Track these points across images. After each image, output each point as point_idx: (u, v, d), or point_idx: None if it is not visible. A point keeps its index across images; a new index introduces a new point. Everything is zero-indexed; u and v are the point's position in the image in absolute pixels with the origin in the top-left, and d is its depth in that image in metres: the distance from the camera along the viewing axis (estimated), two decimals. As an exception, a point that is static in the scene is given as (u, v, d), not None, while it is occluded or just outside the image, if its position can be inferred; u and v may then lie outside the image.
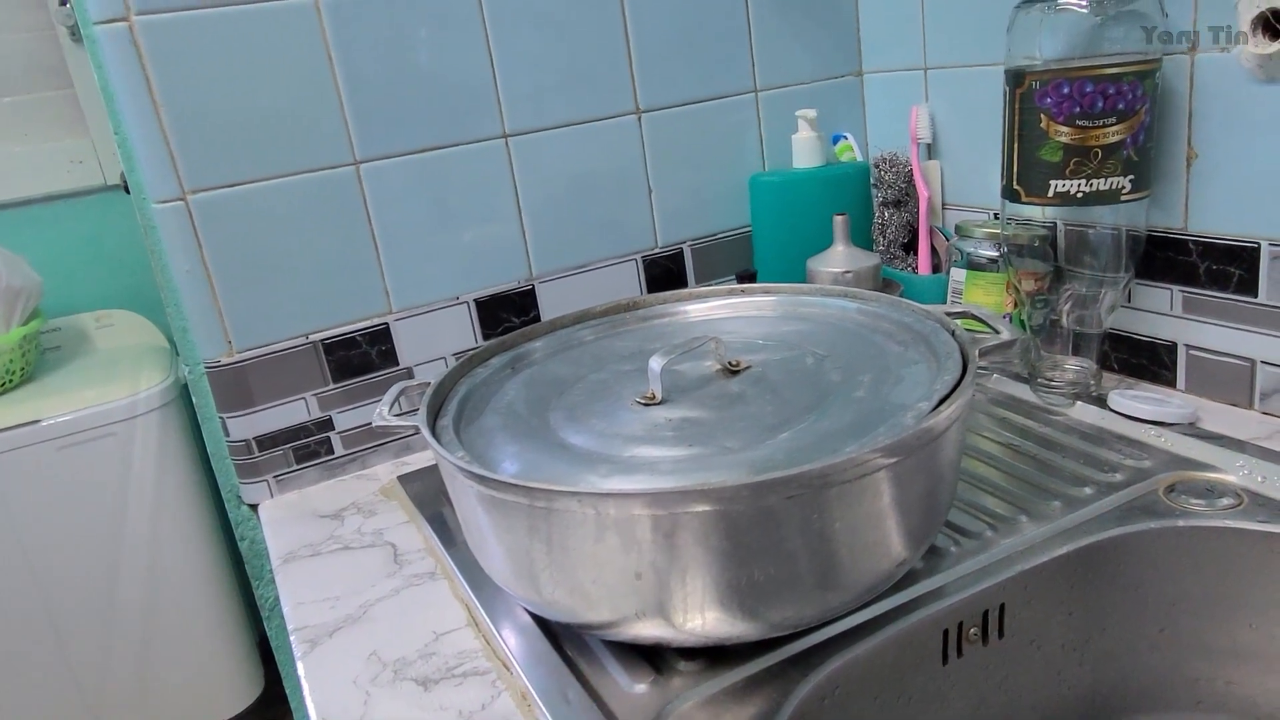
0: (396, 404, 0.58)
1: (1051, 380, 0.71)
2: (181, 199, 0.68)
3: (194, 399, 0.75)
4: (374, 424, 0.55)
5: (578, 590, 0.46)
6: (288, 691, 0.83)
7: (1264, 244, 0.62)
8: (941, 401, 0.48)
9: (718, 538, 0.42)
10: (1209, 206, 0.65)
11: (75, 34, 1.53)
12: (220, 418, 0.74)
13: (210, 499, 1.32)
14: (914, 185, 0.87)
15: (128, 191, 1.57)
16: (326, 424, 0.77)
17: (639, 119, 0.84)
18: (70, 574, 1.19)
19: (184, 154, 0.68)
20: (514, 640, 0.52)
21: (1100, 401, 0.69)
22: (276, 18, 0.69)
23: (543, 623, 0.53)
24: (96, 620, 1.22)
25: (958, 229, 0.79)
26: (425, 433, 0.51)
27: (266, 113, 0.70)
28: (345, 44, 0.71)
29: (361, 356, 0.77)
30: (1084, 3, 0.61)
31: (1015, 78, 0.64)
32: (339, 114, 0.72)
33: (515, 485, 0.44)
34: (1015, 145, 0.66)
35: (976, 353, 0.51)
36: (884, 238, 0.89)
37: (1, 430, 1.13)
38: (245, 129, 0.69)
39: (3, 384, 1.20)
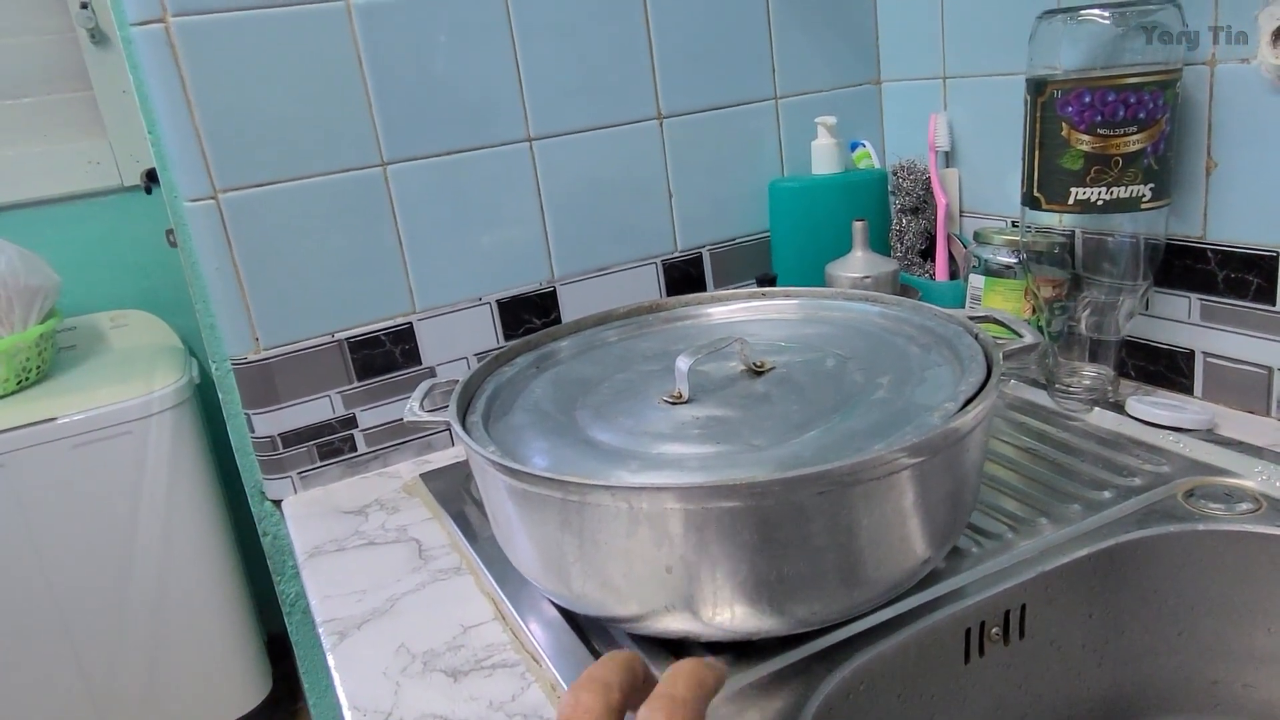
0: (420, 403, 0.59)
1: (1069, 386, 0.72)
2: (213, 198, 0.69)
3: (220, 395, 0.76)
4: (405, 419, 0.56)
5: (608, 584, 0.46)
6: (306, 687, 0.84)
7: (1282, 253, 0.63)
8: (968, 402, 0.48)
9: (748, 533, 0.43)
10: (1228, 215, 0.66)
11: (95, 37, 1.55)
12: (245, 414, 0.75)
13: (222, 499, 1.33)
14: (932, 192, 0.88)
15: (148, 192, 1.59)
16: (350, 421, 0.78)
17: (660, 124, 0.85)
18: (82, 571, 1.20)
19: (216, 153, 0.69)
20: (541, 633, 0.53)
21: (1118, 408, 0.69)
22: (309, 21, 0.70)
23: (569, 616, 0.54)
24: (107, 617, 1.23)
25: (977, 236, 0.80)
26: (456, 427, 0.52)
27: (297, 114, 0.71)
28: (375, 47, 0.72)
29: (385, 355, 0.78)
30: (1105, 14, 0.62)
31: (1037, 86, 0.65)
32: (368, 116, 0.73)
33: (549, 479, 0.45)
34: (1036, 153, 0.67)
35: (1001, 355, 0.52)
36: (901, 244, 0.90)
37: (17, 428, 1.13)
38: (276, 129, 0.70)
39: (20, 382, 1.21)
